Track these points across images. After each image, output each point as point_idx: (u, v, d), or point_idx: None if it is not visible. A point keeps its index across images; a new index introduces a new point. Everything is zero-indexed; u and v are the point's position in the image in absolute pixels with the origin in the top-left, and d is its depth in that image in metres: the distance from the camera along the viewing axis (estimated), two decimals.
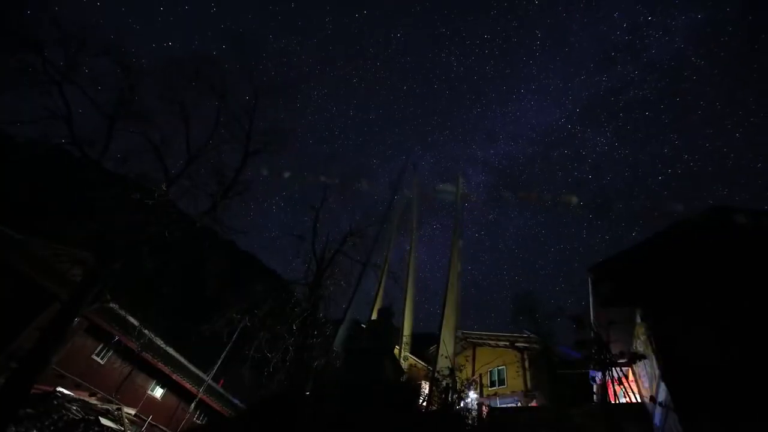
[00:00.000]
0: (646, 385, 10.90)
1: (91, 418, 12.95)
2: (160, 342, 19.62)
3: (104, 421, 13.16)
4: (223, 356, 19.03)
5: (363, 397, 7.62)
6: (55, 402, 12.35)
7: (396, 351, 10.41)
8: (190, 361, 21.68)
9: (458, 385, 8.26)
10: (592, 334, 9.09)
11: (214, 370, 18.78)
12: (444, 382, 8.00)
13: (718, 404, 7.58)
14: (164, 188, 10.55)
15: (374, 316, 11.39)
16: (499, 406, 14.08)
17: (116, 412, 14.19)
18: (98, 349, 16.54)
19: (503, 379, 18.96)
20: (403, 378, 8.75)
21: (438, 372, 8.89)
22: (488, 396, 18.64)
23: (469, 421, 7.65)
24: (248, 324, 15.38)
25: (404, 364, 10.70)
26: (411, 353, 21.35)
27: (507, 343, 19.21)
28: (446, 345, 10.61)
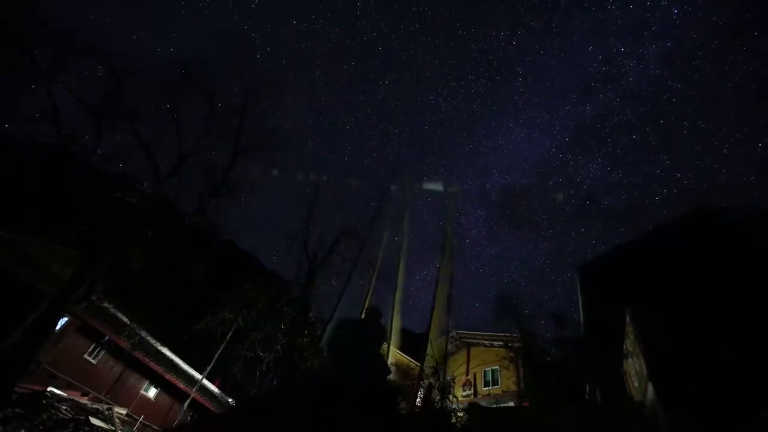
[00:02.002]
0: (636, 384, 10.86)
1: (81, 417, 12.90)
2: (153, 341, 19.60)
3: (94, 421, 13.11)
4: (217, 355, 19.02)
5: (348, 397, 7.58)
6: (45, 402, 12.31)
7: (384, 348, 10.40)
8: (184, 361, 21.67)
9: (442, 385, 8.24)
10: (573, 333, 9.05)
11: (208, 370, 18.73)
12: (427, 382, 7.96)
13: (704, 403, 7.54)
14: (148, 187, 10.51)
15: (363, 316, 11.37)
16: (489, 406, 14.05)
17: (107, 412, 14.15)
18: (90, 349, 16.53)
19: (497, 380, 18.91)
20: (389, 377, 8.70)
21: (424, 372, 8.89)
22: (482, 396, 18.60)
23: (453, 421, 7.62)
24: (241, 324, 15.40)
25: (391, 361, 10.68)
26: (405, 353, 21.33)
27: (501, 343, 19.15)
28: (433, 346, 10.59)
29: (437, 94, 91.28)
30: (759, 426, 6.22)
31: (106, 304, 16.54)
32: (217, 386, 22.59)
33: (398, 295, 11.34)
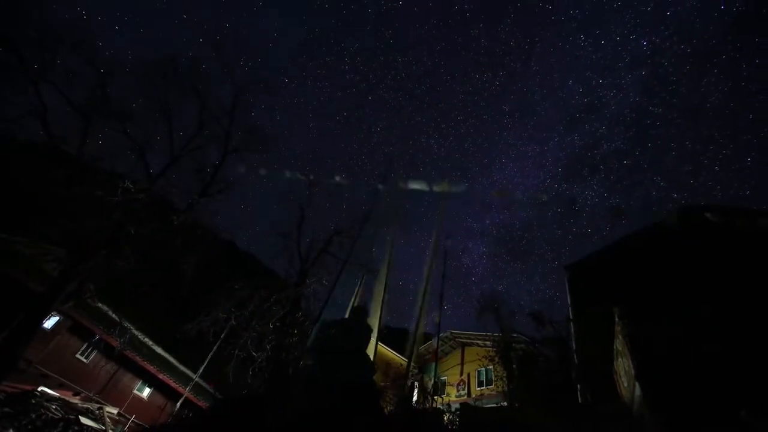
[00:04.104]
0: (625, 384, 10.80)
1: (71, 417, 12.89)
2: (147, 340, 19.61)
3: (84, 420, 13.10)
4: (210, 355, 19.00)
5: (330, 396, 7.55)
6: (34, 401, 12.30)
7: (372, 344, 10.44)
8: (178, 361, 21.66)
9: (425, 384, 8.18)
10: (553, 331, 9.00)
11: (202, 369, 18.72)
12: (409, 382, 7.90)
13: (691, 404, 7.49)
14: (133, 186, 10.50)
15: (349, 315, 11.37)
16: (481, 406, 14.00)
17: (98, 411, 14.13)
18: (82, 349, 16.53)
19: (491, 380, 18.82)
20: (374, 376, 8.68)
21: (410, 371, 8.86)
22: (476, 396, 18.53)
23: (437, 421, 7.57)
24: (234, 323, 15.38)
25: (378, 360, 10.69)
26: (399, 352, 21.26)
27: (495, 343, 19.08)
28: (418, 345, 10.56)
29: (428, 136, 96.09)
30: (741, 425, 6.17)
31: (99, 304, 16.57)
32: (212, 388, 22.57)
33: (385, 294, 11.35)
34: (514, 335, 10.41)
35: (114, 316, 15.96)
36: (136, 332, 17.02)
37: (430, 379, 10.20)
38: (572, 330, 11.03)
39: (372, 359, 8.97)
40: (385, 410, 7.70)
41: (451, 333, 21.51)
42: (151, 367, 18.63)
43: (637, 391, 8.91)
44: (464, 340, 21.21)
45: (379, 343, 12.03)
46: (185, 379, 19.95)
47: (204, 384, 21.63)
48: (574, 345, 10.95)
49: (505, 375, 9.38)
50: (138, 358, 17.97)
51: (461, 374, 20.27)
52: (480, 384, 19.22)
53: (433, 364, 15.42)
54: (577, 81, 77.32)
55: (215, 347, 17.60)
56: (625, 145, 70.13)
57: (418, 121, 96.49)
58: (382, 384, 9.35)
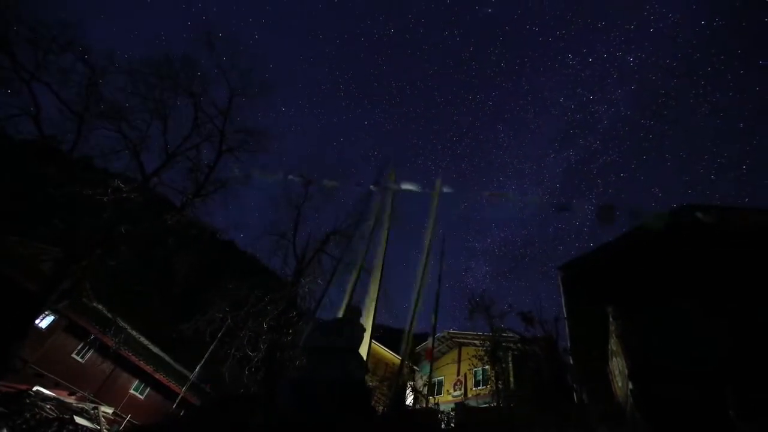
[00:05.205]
0: (620, 384, 10.78)
1: (66, 416, 12.88)
2: (144, 340, 19.60)
3: (80, 420, 13.08)
4: (207, 355, 19.00)
5: (321, 396, 7.51)
6: (28, 401, 12.29)
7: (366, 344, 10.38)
8: (175, 360, 21.65)
9: (417, 385, 8.16)
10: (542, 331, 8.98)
11: (198, 369, 18.71)
12: (401, 381, 7.89)
13: (684, 404, 7.47)
14: (121, 185, 10.48)
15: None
16: (478, 405, 14.00)
17: (93, 411, 14.11)
18: (78, 348, 16.52)
19: (487, 379, 18.79)
20: (368, 376, 8.65)
21: (402, 371, 8.87)
22: (472, 396, 18.51)
23: (429, 420, 7.55)
24: (230, 323, 15.38)
25: (372, 360, 10.65)
26: (397, 352, 21.23)
27: (491, 343, 19.03)
28: (409, 345, 10.57)
29: (426, 158, 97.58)
30: (730, 426, 6.15)
31: (95, 304, 16.56)
32: (209, 387, 22.55)
33: (380, 293, 11.31)
34: (505, 334, 10.38)
35: (109, 315, 15.95)
36: (131, 332, 16.99)
37: (422, 378, 10.19)
38: (567, 330, 11.01)
39: (365, 359, 8.93)
40: (377, 410, 7.69)
41: (449, 333, 21.50)
42: (148, 367, 18.62)
43: (630, 390, 8.89)
44: (461, 340, 21.19)
45: (373, 342, 11.98)
46: (182, 379, 19.93)
47: (200, 383, 21.62)
48: (569, 345, 10.94)
49: (494, 374, 9.33)
50: (134, 358, 17.95)
51: (458, 374, 20.26)
52: (477, 384, 19.20)
53: (429, 364, 15.43)
54: (568, 98, 78.05)
55: (212, 347, 17.60)
56: (621, 158, 70.39)
57: (414, 143, 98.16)
58: (375, 383, 9.31)
